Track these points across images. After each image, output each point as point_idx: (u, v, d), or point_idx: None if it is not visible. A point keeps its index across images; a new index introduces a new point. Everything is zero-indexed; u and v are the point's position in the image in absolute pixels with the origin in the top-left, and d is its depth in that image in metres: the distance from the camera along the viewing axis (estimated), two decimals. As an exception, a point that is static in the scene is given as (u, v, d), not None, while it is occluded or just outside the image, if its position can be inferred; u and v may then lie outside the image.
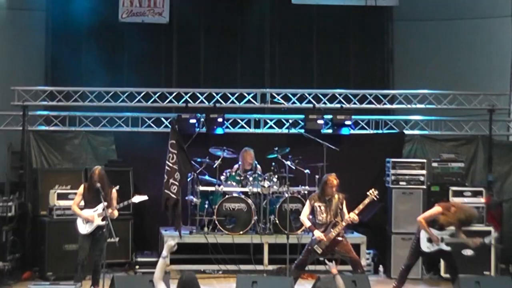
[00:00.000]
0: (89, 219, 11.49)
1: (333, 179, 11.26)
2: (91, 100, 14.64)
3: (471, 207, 11.47)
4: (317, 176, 13.38)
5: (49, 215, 13.10)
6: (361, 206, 11.20)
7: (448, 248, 11.03)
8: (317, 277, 10.43)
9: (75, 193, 11.98)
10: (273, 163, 13.71)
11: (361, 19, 15.96)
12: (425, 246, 10.99)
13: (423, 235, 11.02)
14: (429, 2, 15.78)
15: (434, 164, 14.02)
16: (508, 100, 15.04)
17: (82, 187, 11.77)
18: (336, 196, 11.25)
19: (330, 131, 14.73)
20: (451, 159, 14.12)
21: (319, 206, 11.25)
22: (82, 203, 11.72)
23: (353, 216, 11.11)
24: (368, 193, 11.30)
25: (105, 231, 11.33)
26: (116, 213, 11.64)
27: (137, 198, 11.99)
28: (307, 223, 11.29)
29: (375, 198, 11.36)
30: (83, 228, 11.55)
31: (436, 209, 11.14)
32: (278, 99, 14.87)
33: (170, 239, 9.03)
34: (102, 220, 11.42)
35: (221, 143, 13.97)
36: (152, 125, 14.84)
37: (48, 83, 15.22)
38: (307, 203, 11.43)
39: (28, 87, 14.51)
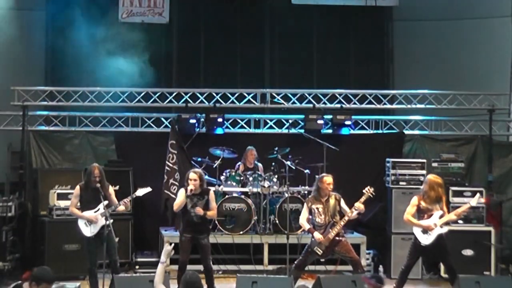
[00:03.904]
0: (92, 220, 11.17)
1: (328, 177, 11.25)
2: (91, 100, 14.66)
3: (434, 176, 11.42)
4: (317, 176, 13.37)
5: (49, 215, 13.10)
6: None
7: (445, 230, 10.99)
8: (317, 277, 10.43)
9: (75, 194, 11.86)
10: (273, 163, 13.71)
11: (361, 19, 15.97)
12: (424, 239, 10.96)
13: (417, 231, 11.02)
14: (429, 2, 15.79)
15: (434, 164, 14.02)
16: (508, 100, 15.04)
17: (78, 188, 11.41)
18: (333, 196, 11.24)
19: (330, 131, 14.74)
20: (451, 159, 14.11)
21: (317, 208, 11.23)
22: (78, 204, 11.42)
23: (358, 205, 11.04)
24: (364, 190, 11.26)
25: (111, 229, 11.01)
26: (123, 207, 11.45)
27: (140, 191, 11.57)
28: (307, 226, 11.28)
29: (371, 196, 11.33)
30: (88, 231, 11.19)
31: (413, 200, 11.16)
32: (278, 99, 14.88)
33: (167, 244, 9.14)
34: (106, 219, 11.08)
35: (221, 143, 13.98)
36: (152, 125, 14.86)
37: (48, 83, 15.25)
38: (305, 206, 11.41)
39: (28, 87, 14.53)
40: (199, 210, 11.17)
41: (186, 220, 11.35)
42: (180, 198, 11.29)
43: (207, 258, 11.32)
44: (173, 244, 9.13)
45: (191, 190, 11.18)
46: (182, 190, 11.37)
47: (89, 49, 14.69)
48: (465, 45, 15.68)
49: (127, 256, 13.59)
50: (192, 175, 11.29)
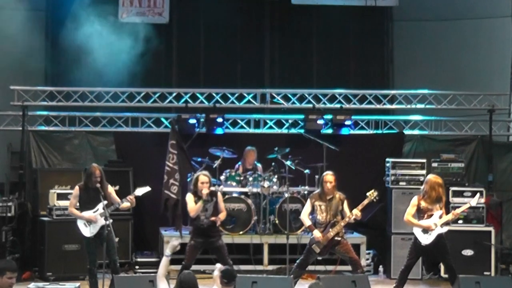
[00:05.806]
0: (92, 220, 11.12)
1: (329, 176, 11.25)
2: (91, 100, 14.66)
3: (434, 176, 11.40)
4: (317, 176, 13.37)
5: (48, 215, 13.09)
6: (359, 207, 11.18)
7: (445, 230, 10.97)
8: (317, 277, 10.43)
9: (75, 194, 11.82)
10: (273, 163, 13.70)
11: (361, 19, 15.97)
12: (424, 239, 10.94)
13: (417, 231, 11.00)
14: (429, 2, 15.79)
15: (434, 164, 14.00)
16: (508, 100, 15.05)
17: (77, 188, 11.35)
18: (337, 196, 11.25)
19: (330, 131, 14.74)
20: (451, 159, 14.10)
21: (320, 206, 11.24)
22: (77, 205, 11.36)
23: (356, 212, 11.08)
24: (367, 194, 11.27)
25: (111, 229, 10.96)
26: (128, 203, 11.38)
27: (139, 191, 11.44)
28: (307, 222, 11.28)
29: (374, 200, 11.35)
30: (87, 231, 11.15)
31: (413, 200, 11.14)
32: (278, 99, 14.88)
33: (174, 239, 9.09)
34: (105, 219, 11.02)
35: (221, 143, 13.97)
36: (152, 125, 14.86)
37: (48, 83, 15.24)
38: (308, 202, 11.43)
39: (28, 87, 14.52)
40: (215, 219, 11.07)
41: (196, 225, 11.21)
42: (194, 204, 11.12)
43: (225, 258, 11.09)
44: (180, 240, 9.09)
45: (206, 194, 11.06)
46: (190, 195, 11.24)
47: (89, 49, 14.68)
48: (465, 45, 15.68)
49: (127, 256, 13.59)
50: (204, 178, 11.15)
